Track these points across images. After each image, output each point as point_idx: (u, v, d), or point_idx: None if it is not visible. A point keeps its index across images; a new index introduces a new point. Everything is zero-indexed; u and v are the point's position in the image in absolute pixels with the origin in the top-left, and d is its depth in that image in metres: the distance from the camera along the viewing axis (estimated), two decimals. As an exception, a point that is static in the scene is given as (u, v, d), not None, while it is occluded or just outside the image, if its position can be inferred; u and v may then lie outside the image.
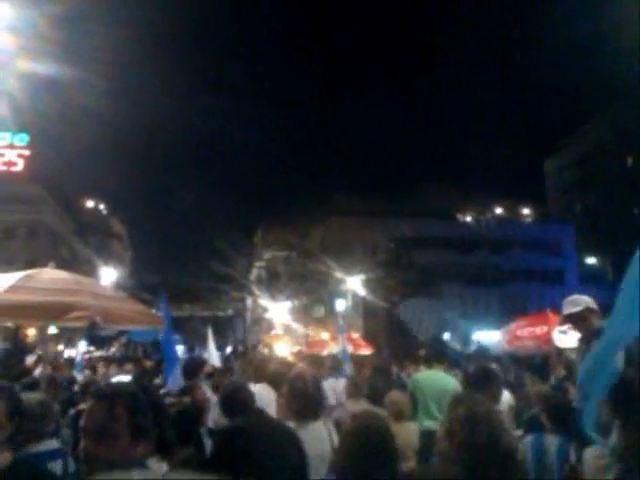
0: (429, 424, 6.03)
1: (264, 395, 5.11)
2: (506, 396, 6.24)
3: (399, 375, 12.23)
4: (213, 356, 12.52)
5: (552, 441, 4.49)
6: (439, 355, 7.33)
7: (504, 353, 12.96)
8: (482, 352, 13.18)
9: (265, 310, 43.13)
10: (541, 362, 11.01)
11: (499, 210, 63.85)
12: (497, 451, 2.49)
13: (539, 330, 10.85)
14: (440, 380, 6.55)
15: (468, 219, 62.87)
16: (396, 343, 28.36)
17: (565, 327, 9.84)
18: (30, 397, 3.84)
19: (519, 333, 11.60)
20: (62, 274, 6.32)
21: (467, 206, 61.52)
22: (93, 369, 12.53)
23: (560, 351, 9.30)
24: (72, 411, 6.55)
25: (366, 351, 21.25)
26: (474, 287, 50.95)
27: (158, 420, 2.54)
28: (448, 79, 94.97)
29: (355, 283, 36.21)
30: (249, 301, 44.78)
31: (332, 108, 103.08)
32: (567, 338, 9.54)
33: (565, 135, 63.00)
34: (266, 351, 25.00)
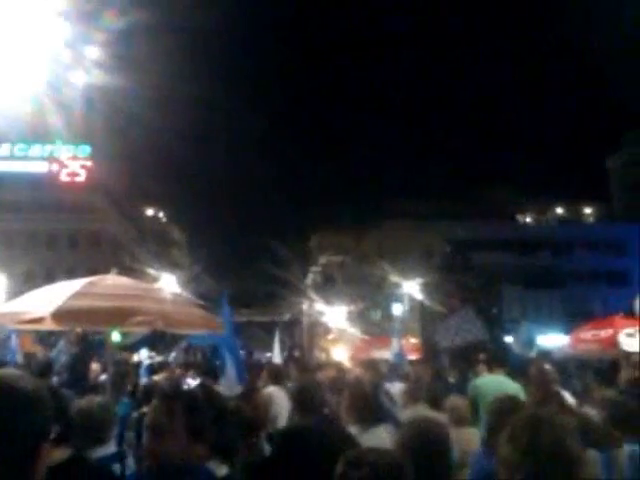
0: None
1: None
2: (570, 402, 6.04)
3: (458, 380, 12.00)
4: (276, 357, 12.82)
5: (621, 449, 4.30)
6: (499, 359, 7.18)
7: (568, 357, 12.56)
8: (544, 356, 12.81)
9: (321, 315, 43.23)
10: (609, 367, 10.62)
11: (560, 210, 62.20)
12: (562, 457, 2.40)
13: (604, 333, 10.47)
14: (502, 385, 6.41)
15: (528, 220, 61.48)
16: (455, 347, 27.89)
17: (633, 330, 9.49)
18: (91, 401, 3.94)
19: (583, 336, 11.22)
20: (125, 280, 6.51)
21: (527, 206, 60.18)
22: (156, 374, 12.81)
23: (627, 355, 8.95)
24: (135, 414, 6.69)
25: (413, 356, 20.91)
26: (536, 290, 49.73)
27: (220, 424, 2.59)
28: (507, 75, 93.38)
29: (412, 287, 35.87)
30: (305, 306, 44.95)
31: (386, 111, 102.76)
32: (634, 341, 9.18)
33: (629, 130, 60.70)
34: (323, 356, 25.07)
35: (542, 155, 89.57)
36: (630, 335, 9.36)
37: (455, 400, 6.12)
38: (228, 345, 8.23)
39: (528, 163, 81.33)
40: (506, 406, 3.83)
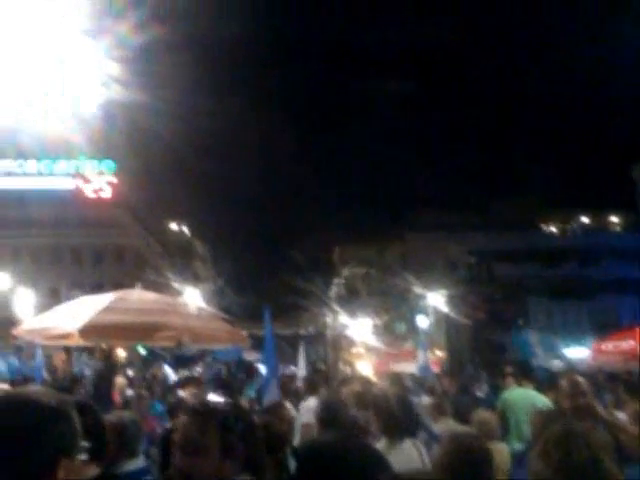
0: (520, 445, 5.79)
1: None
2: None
3: (488, 393, 11.81)
4: (301, 371, 12.67)
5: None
6: (527, 372, 7.07)
7: (594, 369, 12.31)
8: (571, 369, 12.59)
9: (345, 328, 43.05)
10: (639, 379, 10.37)
11: (586, 219, 61.43)
12: (597, 475, 2.34)
13: (625, 344, 10.23)
14: (531, 399, 6.30)
15: (553, 229, 60.82)
16: (481, 360, 27.64)
17: None
18: (120, 416, 3.95)
19: (604, 348, 10.97)
20: (150, 295, 6.56)
21: (551, 216, 59.55)
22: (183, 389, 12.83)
23: None
24: (160, 430, 6.70)
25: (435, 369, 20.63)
26: (562, 301, 49.00)
27: (249, 440, 2.57)
28: (530, 83, 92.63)
29: (436, 299, 35.61)
30: (329, 319, 44.83)
31: (409, 123, 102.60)
32: None
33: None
34: (347, 369, 24.89)
35: (566, 163, 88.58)
36: None
37: (482, 414, 6.03)
38: (269, 360, 8.25)
39: (552, 172, 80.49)
40: (549, 418, 3.75)
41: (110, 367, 9.29)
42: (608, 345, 10.89)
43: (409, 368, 16.66)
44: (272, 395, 7.16)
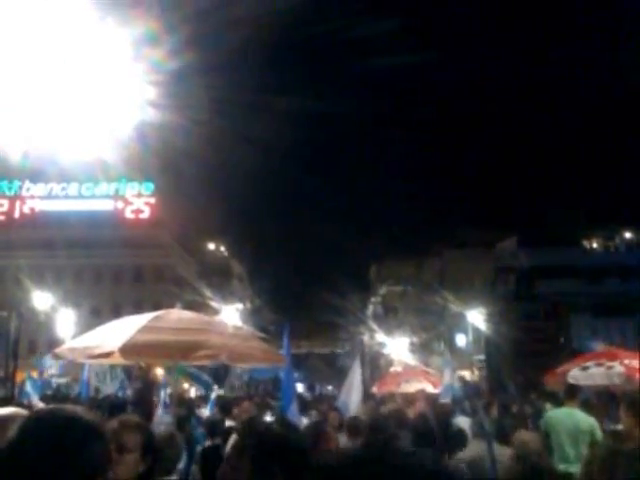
0: (564, 466, 5.64)
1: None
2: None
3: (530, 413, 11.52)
4: (356, 392, 10.94)
5: None
6: (570, 392, 6.87)
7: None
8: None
9: (382, 346, 42.72)
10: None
11: (629, 234, 60.02)
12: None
13: (573, 366, 9.83)
14: (574, 418, 6.13)
15: (595, 245, 59.58)
16: (522, 379, 27.05)
17: (590, 363, 8.99)
18: (162, 432, 3.99)
19: (558, 370, 10.48)
20: (189, 314, 6.61)
21: (593, 232, 58.38)
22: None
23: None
24: (199, 448, 6.73)
25: None
26: (605, 318, 47.77)
27: (300, 462, 2.56)
28: (573, 100, 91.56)
29: (475, 317, 35.07)
30: (366, 337, 44.59)
31: (451, 142, 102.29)
32: (583, 375, 8.70)
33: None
34: (384, 389, 24.57)
35: (608, 178, 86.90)
36: (584, 369, 8.90)
37: (523, 434, 5.89)
38: (288, 379, 8.24)
39: (594, 187, 79.06)
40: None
41: (149, 386, 9.39)
42: (562, 368, 10.39)
43: (420, 388, 16.21)
44: (292, 416, 7.11)
